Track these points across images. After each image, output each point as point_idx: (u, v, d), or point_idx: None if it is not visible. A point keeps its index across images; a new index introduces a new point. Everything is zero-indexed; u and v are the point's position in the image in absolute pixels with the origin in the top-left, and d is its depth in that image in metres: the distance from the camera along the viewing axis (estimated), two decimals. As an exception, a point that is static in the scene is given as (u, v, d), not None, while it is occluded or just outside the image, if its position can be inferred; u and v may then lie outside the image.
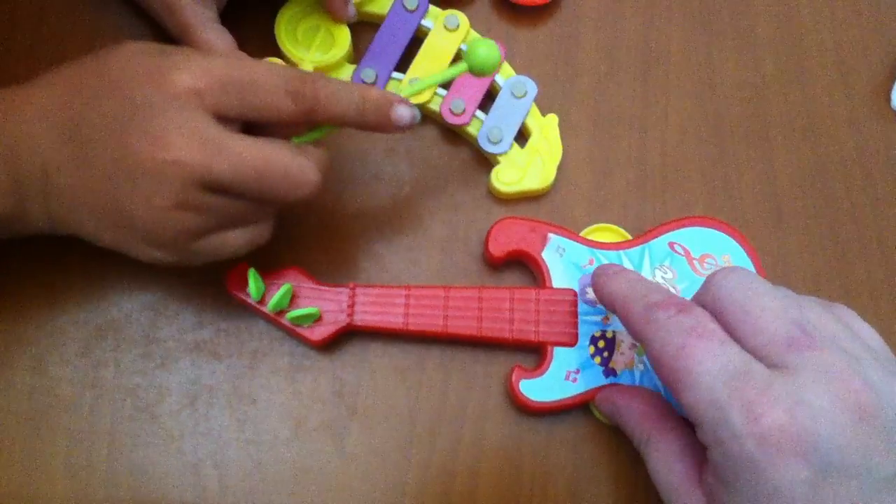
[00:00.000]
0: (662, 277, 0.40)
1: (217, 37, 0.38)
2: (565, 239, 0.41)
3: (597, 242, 0.41)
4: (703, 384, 0.29)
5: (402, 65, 0.44)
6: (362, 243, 0.42)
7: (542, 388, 0.38)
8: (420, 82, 0.37)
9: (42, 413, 0.38)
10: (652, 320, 0.32)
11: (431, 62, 0.44)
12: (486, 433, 0.39)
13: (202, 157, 0.31)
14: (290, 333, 0.39)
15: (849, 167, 0.46)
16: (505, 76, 0.44)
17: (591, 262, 0.40)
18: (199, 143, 0.31)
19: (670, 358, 0.30)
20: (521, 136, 0.44)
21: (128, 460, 0.38)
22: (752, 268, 0.41)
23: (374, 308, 0.39)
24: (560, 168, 0.43)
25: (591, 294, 0.39)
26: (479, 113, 0.43)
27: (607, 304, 0.35)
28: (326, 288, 0.39)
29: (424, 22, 0.45)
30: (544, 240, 0.41)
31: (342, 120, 0.35)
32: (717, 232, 0.41)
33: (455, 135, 0.45)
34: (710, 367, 0.29)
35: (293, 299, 0.39)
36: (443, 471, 0.39)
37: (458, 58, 0.45)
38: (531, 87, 0.44)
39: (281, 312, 0.38)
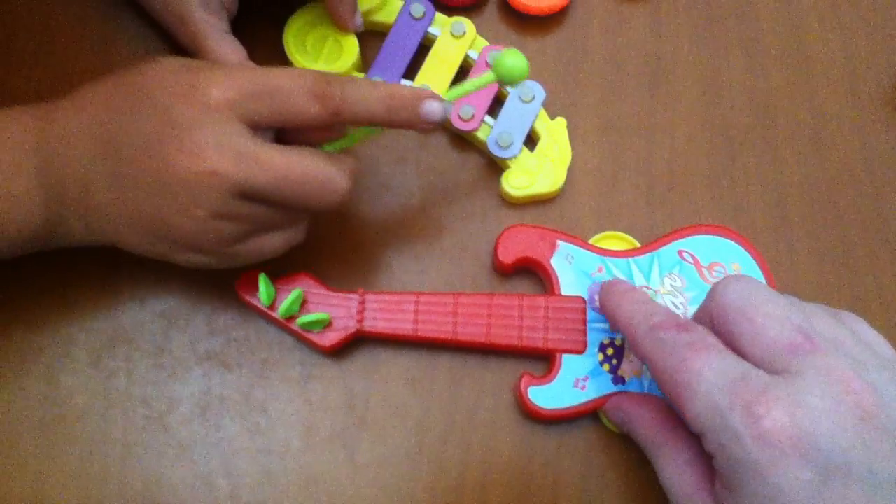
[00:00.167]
0: (671, 285, 0.40)
1: (229, 48, 0.39)
2: (574, 246, 0.41)
3: (605, 250, 0.41)
4: (703, 393, 0.29)
5: (410, 72, 0.44)
6: (372, 250, 0.42)
7: (551, 395, 0.38)
8: (450, 92, 0.37)
9: (54, 422, 0.38)
10: (654, 340, 0.32)
11: (439, 69, 0.44)
12: (496, 442, 0.39)
13: (238, 168, 0.31)
14: (300, 339, 0.39)
15: (856, 175, 0.46)
16: (512, 82, 0.44)
17: (599, 270, 0.41)
18: (235, 154, 0.31)
19: (671, 374, 0.31)
20: (530, 141, 0.44)
21: (139, 470, 0.38)
22: (760, 276, 0.41)
23: (383, 314, 0.39)
24: (568, 175, 0.44)
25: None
26: (487, 118, 0.44)
27: (613, 323, 0.36)
28: (336, 294, 0.39)
29: (431, 30, 0.45)
30: (553, 247, 0.41)
31: (370, 118, 0.35)
32: (725, 240, 0.41)
33: (464, 142, 0.45)
34: (708, 376, 0.29)
35: (303, 305, 0.39)
36: (453, 479, 0.39)
37: (465, 65, 0.45)
38: (539, 92, 0.44)
39: (291, 318, 0.38)
